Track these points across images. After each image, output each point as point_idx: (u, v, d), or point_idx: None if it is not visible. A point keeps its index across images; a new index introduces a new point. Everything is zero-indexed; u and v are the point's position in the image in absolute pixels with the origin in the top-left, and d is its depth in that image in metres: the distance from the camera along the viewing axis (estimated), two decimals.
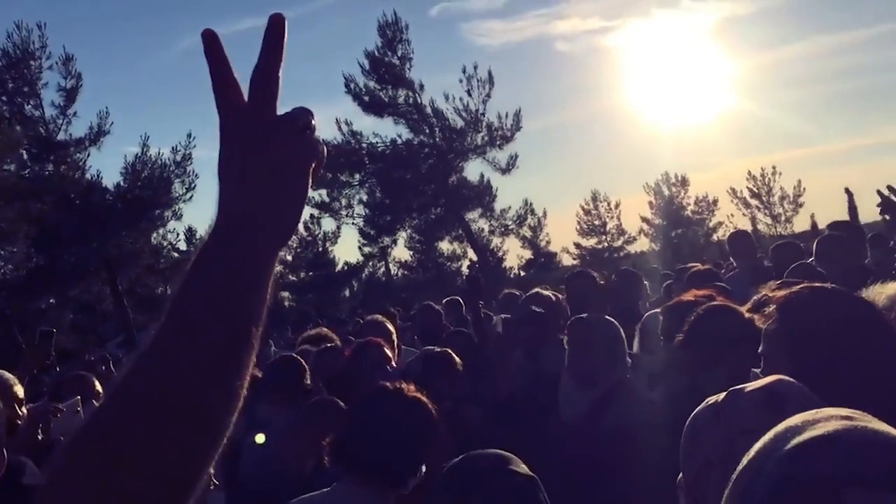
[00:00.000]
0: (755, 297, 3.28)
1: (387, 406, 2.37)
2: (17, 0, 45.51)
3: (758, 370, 1.87)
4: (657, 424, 3.05)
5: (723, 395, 1.30)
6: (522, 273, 39.03)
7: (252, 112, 0.86)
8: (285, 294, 41.71)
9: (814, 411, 0.83)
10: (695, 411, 1.33)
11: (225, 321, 0.76)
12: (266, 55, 0.86)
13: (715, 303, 2.75)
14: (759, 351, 1.87)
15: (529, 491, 1.87)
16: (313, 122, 0.88)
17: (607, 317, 3.87)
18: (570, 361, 3.65)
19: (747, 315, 2.66)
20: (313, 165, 0.86)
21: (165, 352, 0.75)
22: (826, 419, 0.80)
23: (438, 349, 4.76)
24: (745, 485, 0.79)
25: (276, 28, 0.86)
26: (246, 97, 0.87)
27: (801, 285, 1.91)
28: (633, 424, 3.23)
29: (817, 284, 1.91)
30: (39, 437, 2.55)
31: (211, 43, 0.87)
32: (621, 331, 3.70)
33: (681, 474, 1.35)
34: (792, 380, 1.27)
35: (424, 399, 2.46)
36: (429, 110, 30.40)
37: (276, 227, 0.83)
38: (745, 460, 0.83)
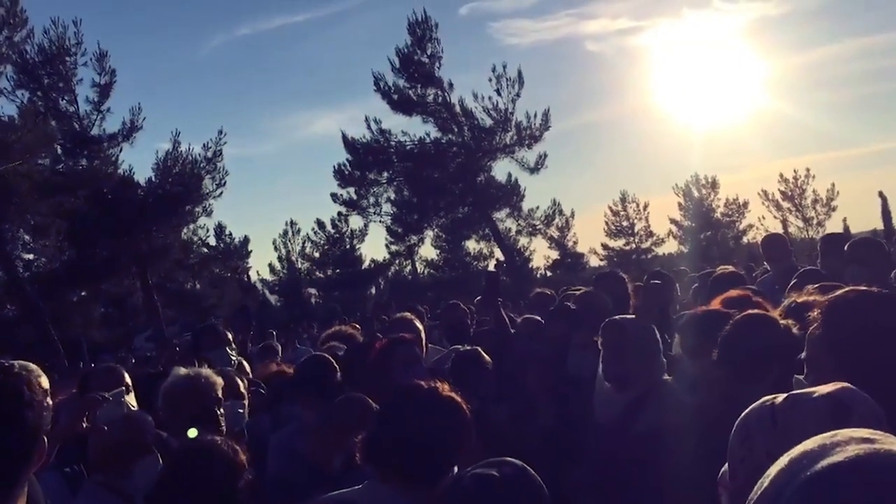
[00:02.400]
0: (787, 302, 3.21)
1: (421, 404, 2.34)
2: None
3: (801, 376, 1.81)
4: (690, 429, 3.00)
5: (781, 397, 1.24)
6: (549, 273, 38.90)
7: None
8: (312, 291, 41.95)
9: (831, 433, 0.79)
10: (748, 409, 1.27)
11: None
12: None
13: (748, 313, 2.65)
14: (802, 356, 1.81)
15: None
16: None
17: (638, 318, 3.81)
18: (604, 363, 3.60)
19: (783, 323, 2.58)
20: None
21: None
22: (845, 442, 0.75)
23: (469, 347, 4.73)
24: None
25: None
26: None
27: (846, 289, 1.85)
28: (666, 428, 3.18)
29: (863, 288, 1.84)
30: (84, 426, 2.59)
31: None
32: (656, 333, 3.64)
33: (724, 470, 1.30)
34: (856, 388, 1.21)
35: (458, 398, 2.44)
36: (458, 109, 30.40)
37: None
38: (761, 486, 0.79)
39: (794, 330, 2.48)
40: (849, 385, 1.22)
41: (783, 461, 0.79)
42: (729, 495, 1.27)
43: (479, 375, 4.11)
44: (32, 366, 1.68)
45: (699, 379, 3.27)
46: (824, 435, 0.80)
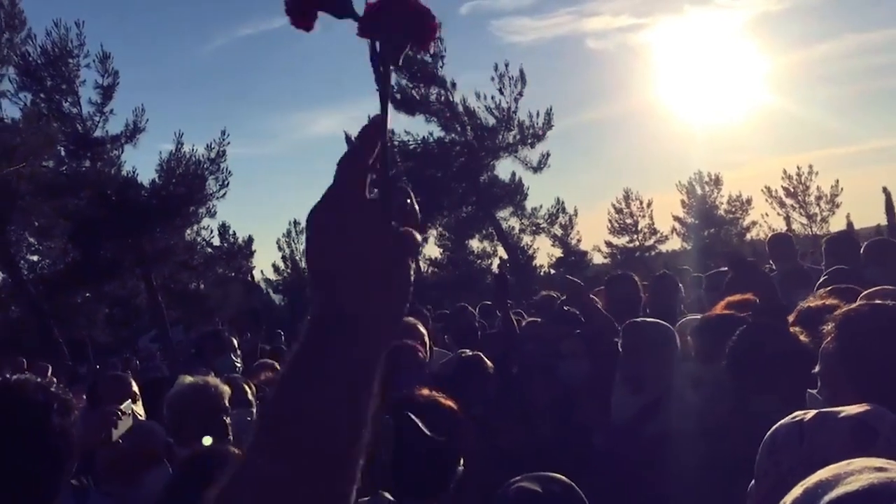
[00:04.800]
0: (800, 307, 3.19)
1: (418, 417, 2.33)
2: None
3: (814, 391, 1.79)
4: (700, 433, 2.99)
5: (810, 414, 1.23)
6: (552, 271, 38.87)
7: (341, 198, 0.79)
8: None
9: (845, 462, 0.78)
10: (777, 425, 1.27)
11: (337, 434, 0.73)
12: (361, 142, 0.81)
13: (756, 322, 2.62)
14: (816, 371, 1.80)
15: None
16: (410, 204, 0.81)
17: (661, 321, 3.79)
18: (621, 365, 3.60)
19: (792, 331, 2.57)
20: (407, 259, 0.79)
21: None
22: (859, 471, 0.75)
23: (471, 352, 4.72)
24: None
25: (373, 128, 0.82)
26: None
27: (861, 302, 1.83)
28: (678, 432, 3.17)
29: (878, 301, 1.82)
30: (101, 440, 2.59)
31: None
32: (675, 336, 3.64)
33: (752, 483, 1.30)
34: (885, 410, 1.20)
35: (454, 407, 2.43)
36: (460, 108, 30.36)
37: (371, 331, 0.76)
38: None
39: (803, 338, 2.46)
40: (878, 407, 1.21)
41: (797, 491, 0.78)
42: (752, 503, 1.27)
43: (482, 381, 4.10)
44: (58, 389, 1.67)
45: (703, 378, 3.27)
46: (840, 464, 0.79)
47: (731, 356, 2.49)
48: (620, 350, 3.62)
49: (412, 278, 0.79)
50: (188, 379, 3.24)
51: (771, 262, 7.13)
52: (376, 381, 0.76)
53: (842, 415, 1.21)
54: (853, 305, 1.82)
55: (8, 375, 1.75)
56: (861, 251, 5.05)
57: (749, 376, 2.39)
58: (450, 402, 2.41)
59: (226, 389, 3.20)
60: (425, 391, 2.49)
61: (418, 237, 0.81)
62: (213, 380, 3.26)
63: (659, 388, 3.45)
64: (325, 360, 0.74)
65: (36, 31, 23.92)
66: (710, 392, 3.11)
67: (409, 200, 0.82)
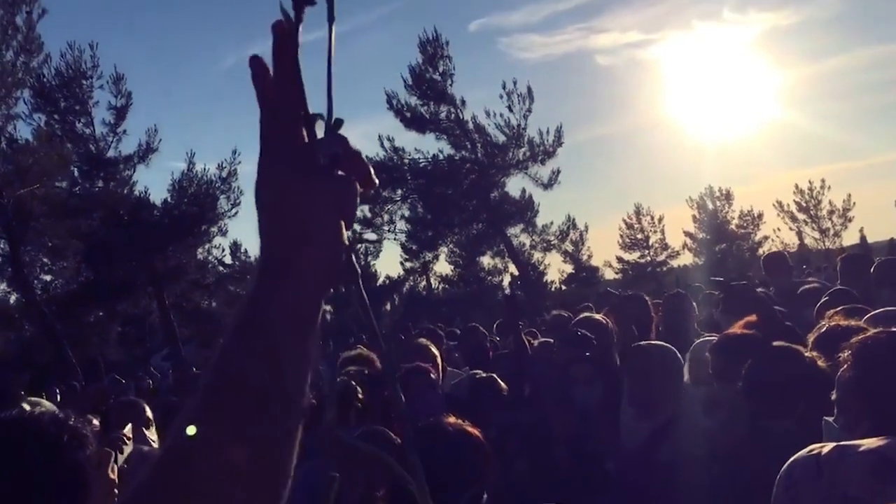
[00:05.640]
0: (818, 331, 3.17)
1: (433, 443, 2.33)
2: (70, 20, 46.88)
3: (830, 418, 1.78)
4: (713, 458, 2.97)
5: (828, 447, 1.22)
6: (564, 287, 38.77)
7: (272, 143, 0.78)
8: (326, 307, 41.91)
9: None
10: (794, 458, 1.25)
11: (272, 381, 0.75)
12: (276, 73, 0.77)
13: (773, 346, 2.60)
14: (833, 398, 1.78)
15: None
16: (346, 149, 0.78)
17: (666, 344, 3.77)
18: (628, 390, 3.58)
19: (808, 356, 2.55)
20: (343, 206, 0.78)
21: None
22: None
23: (484, 374, 4.71)
24: None
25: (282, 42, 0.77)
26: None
27: (878, 329, 1.81)
28: (689, 456, 3.15)
29: (894, 329, 1.80)
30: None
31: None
32: (680, 359, 3.62)
33: None
34: None
35: (471, 431, 2.43)
36: (470, 126, 30.41)
37: (307, 276, 0.77)
38: None
39: (820, 363, 2.44)
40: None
41: None
42: None
43: (496, 404, 4.09)
44: (75, 422, 1.66)
45: (717, 401, 3.24)
46: None
47: (748, 379, 2.48)
48: (626, 375, 3.60)
49: (341, 233, 0.78)
50: None
51: (767, 278, 7.24)
52: (312, 328, 0.78)
53: (861, 448, 1.19)
54: (870, 332, 1.80)
55: (24, 407, 1.75)
56: (872, 271, 5.02)
57: (765, 400, 2.37)
58: (476, 432, 2.41)
59: None
60: (452, 419, 2.50)
61: (352, 188, 0.79)
62: None
63: (667, 412, 3.43)
64: (256, 305, 0.76)
65: (51, 52, 24.16)
66: (725, 415, 3.08)
67: (345, 149, 0.78)
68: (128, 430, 2.80)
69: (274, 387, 0.74)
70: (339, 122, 0.79)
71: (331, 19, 0.76)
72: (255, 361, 0.74)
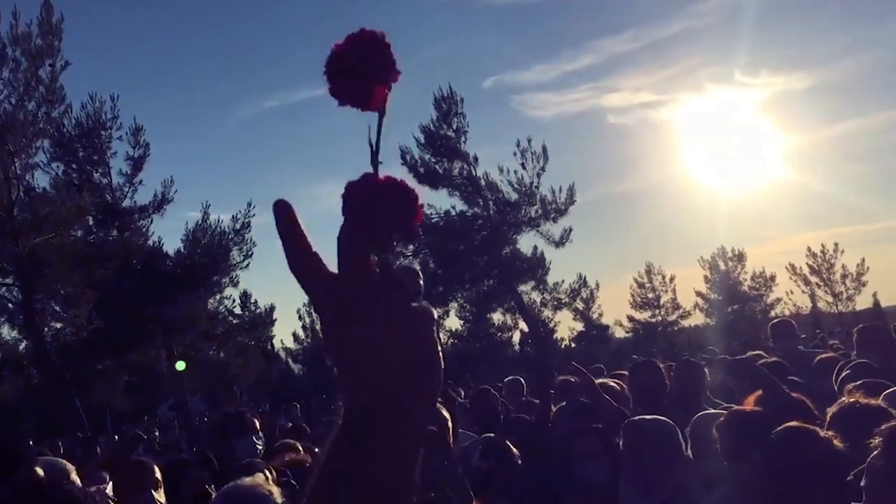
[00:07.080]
0: (838, 406, 3.12)
1: None
2: (93, 71, 47.91)
3: None
4: None
5: None
6: (574, 345, 38.53)
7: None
8: None
9: None
10: None
11: None
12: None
13: (788, 426, 2.51)
14: (862, 485, 1.73)
15: None
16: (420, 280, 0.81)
17: (663, 418, 3.67)
18: (625, 467, 3.50)
19: (823, 435, 2.48)
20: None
21: None
22: None
23: (496, 437, 4.64)
24: None
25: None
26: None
27: None
28: None
29: None
30: None
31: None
32: (678, 434, 3.53)
33: None
34: None
35: None
36: (483, 182, 30.63)
37: (404, 421, 0.74)
38: None
39: (836, 443, 2.38)
40: None
41: None
42: None
43: (509, 472, 4.02)
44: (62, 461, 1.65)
45: (720, 478, 3.17)
46: None
47: (763, 462, 2.41)
48: (622, 451, 3.52)
49: (440, 360, 0.75)
50: (243, 482, 2.99)
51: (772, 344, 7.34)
52: (414, 471, 0.73)
53: None
54: None
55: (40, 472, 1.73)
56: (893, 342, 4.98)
57: (783, 484, 2.31)
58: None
59: (275, 490, 2.96)
60: None
61: (433, 312, 0.77)
62: (262, 483, 3.03)
63: (666, 489, 3.34)
64: (353, 456, 0.71)
65: (72, 102, 24.59)
66: (731, 494, 3.00)
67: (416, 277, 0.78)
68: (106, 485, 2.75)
69: None
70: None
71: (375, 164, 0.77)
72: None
